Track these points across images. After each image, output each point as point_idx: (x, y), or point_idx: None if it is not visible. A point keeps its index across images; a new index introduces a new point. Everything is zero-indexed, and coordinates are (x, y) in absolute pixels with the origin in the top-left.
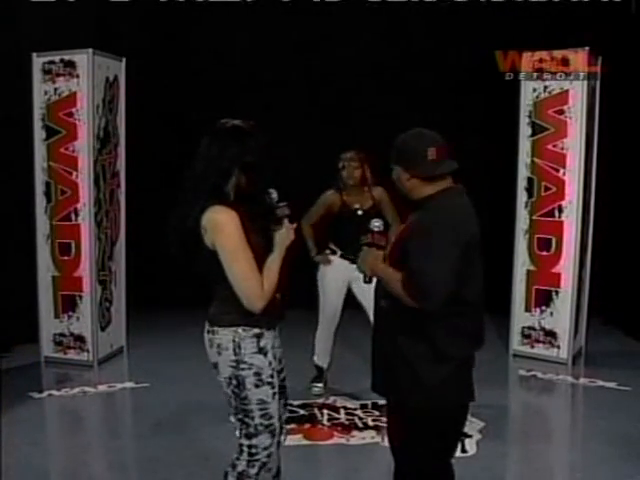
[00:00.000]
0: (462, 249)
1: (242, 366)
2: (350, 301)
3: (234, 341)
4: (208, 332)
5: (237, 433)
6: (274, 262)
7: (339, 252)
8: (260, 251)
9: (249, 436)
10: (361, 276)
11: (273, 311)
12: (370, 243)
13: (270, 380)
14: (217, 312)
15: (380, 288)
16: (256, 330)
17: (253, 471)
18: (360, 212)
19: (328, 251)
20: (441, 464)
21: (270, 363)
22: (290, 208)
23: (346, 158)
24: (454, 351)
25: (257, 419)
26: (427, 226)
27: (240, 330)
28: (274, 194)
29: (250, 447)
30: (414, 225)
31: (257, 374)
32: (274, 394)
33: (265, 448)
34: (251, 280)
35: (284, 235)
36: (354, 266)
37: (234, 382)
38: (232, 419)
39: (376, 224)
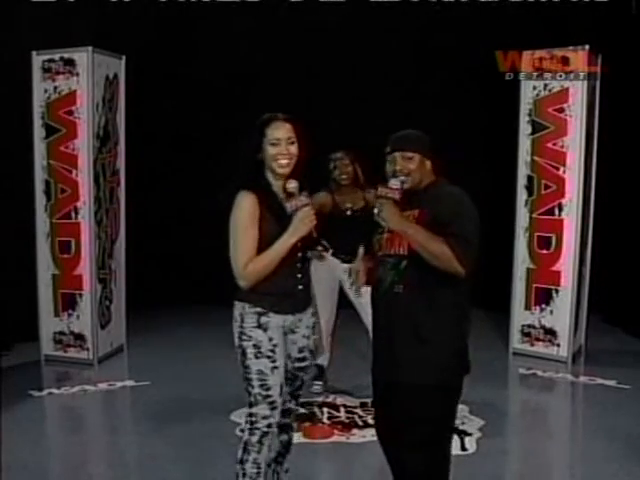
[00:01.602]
0: None
1: (244, 337)
2: (348, 301)
3: (241, 315)
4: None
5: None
6: (275, 248)
7: (331, 250)
8: (271, 239)
9: (250, 405)
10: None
11: (285, 298)
12: (390, 197)
13: (270, 354)
14: (237, 287)
15: (390, 274)
16: (258, 309)
17: (254, 439)
18: (349, 212)
19: (320, 247)
20: (449, 445)
21: (270, 339)
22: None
23: (336, 157)
24: (469, 325)
25: (256, 389)
26: (457, 196)
27: (246, 306)
28: (293, 183)
29: (251, 415)
30: (440, 198)
31: (256, 346)
32: (273, 368)
33: (264, 417)
34: (238, 259)
35: (295, 224)
36: (344, 266)
37: (239, 351)
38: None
39: (396, 183)
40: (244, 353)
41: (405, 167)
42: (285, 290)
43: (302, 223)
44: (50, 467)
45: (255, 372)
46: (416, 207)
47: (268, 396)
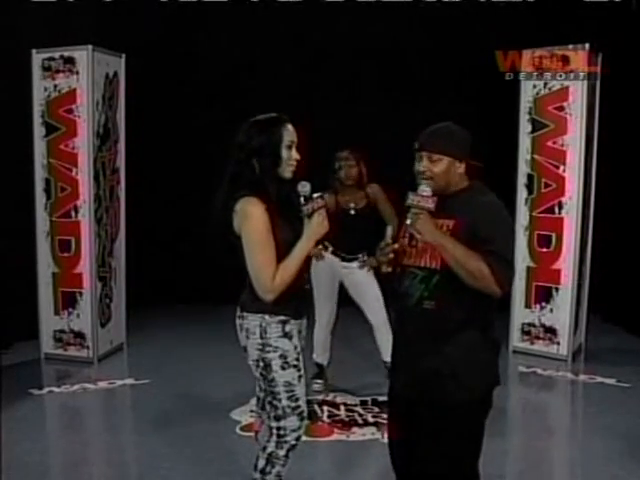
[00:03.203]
0: None
1: (268, 349)
2: (349, 299)
3: (261, 326)
4: (238, 317)
5: (258, 414)
6: (296, 255)
7: (330, 248)
8: (286, 245)
9: (278, 418)
10: (356, 271)
11: (301, 301)
12: (423, 207)
13: (296, 363)
14: (247, 299)
15: (419, 289)
16: (282, 317)
17: (282, 453)
18: (353, 212)
19: (320, 246)
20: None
21: (295, 347)
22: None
23: (342, 157)
24: (498, 339)
25: (284, 401)
26: (498, 210)
27: (267, 316)
28: (306, 186)
29: (279, 429)
30: (478, 208)
31: (283, 357)
32: (300, 377)
33: (293, 430)
34: (264, 272)
35: (313, 227)
36: (344, 264)
37: (261, 364)
38: (255, 408)
39: (426, 189)
40: (269, 366)
41: (429, 169)
42: (299, 292)
43: (320, 226)
44: (50, 465)
45: (282, 384)
46: (450, 216)
47: (297, 407)
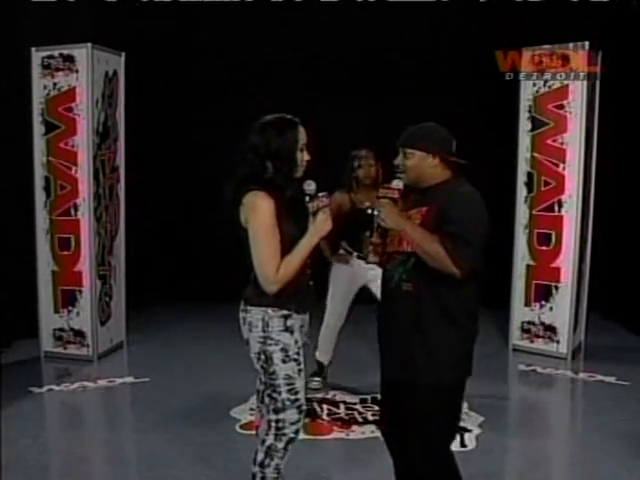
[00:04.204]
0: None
1: (269, 342)
2: (362, 297)
3: (263, 320)
4: (242, 311)
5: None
6: (300, 250)
7: (355, 253)
8: (291, 240)
9: (277, 411)
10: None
11: (304, 296)
12: (389, 197)
13: (296, 357)
14: (251, 293)
15: (398, 272)
16: (284, 311)
17: (280, 445)
18: (370, 211)
19: (342, 251)
20: (449, 443)
21: (296, 341)
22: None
23: (362, 156)
24: (477, 326)
25: (284, 394)
26: (468, 197)
27: (270, 310)
28: (312, 185)
29: (277, 422)
30: (451, 196)
31: (284, 350)
32: (300, 371)
33: (292, 423)
34: (268, 264)
35: (317, 224)
36: (370, 266)
37: (262, 357)
38: (255, 404)
39: (399, 183)
40: (270, 359)
41: (402, 163)
42: (303, 288)
43: (325, 224)
44: (50, 463)
45: (283, 377)
46: (425, 204)
47: (296, 400)
